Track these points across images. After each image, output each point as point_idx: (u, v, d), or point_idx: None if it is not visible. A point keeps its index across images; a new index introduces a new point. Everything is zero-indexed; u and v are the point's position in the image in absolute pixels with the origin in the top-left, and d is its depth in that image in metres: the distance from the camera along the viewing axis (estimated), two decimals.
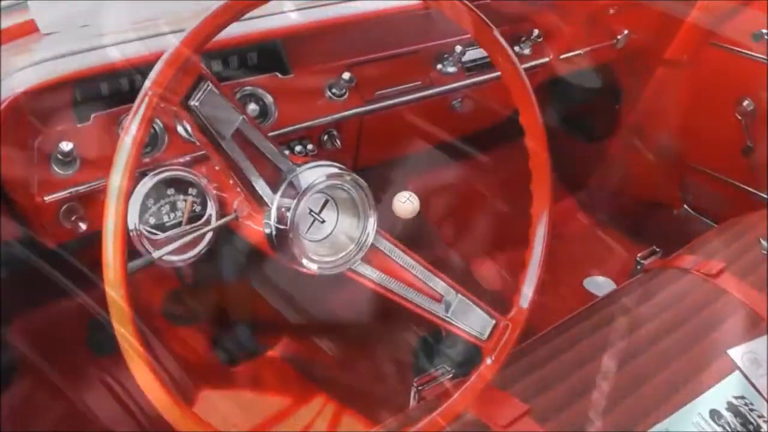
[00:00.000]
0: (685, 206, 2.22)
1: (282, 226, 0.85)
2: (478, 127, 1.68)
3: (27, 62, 0.99)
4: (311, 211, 0.88)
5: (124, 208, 0.72)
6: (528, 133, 0.98)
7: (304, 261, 0.88)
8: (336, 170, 0.88)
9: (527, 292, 1.00)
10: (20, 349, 1.55)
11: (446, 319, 0.96)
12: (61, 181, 1.05)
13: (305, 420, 1.64)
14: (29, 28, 1.22)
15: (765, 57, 1.79)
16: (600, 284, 2.08)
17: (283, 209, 0.86)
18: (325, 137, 1.29)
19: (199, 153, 1.13)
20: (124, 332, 0.71)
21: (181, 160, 1.11)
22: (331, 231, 0.91)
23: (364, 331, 1.82)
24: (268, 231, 0.87)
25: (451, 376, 1.18)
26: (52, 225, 1.09)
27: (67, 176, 1.05)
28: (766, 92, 1.79)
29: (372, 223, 0.91)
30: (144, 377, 0.73)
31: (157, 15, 1.27)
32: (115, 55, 1.02)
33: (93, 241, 1.10)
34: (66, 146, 1.01)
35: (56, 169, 1.05)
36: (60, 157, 1.03)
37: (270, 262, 1.00)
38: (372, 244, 0.92)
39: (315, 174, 0.87)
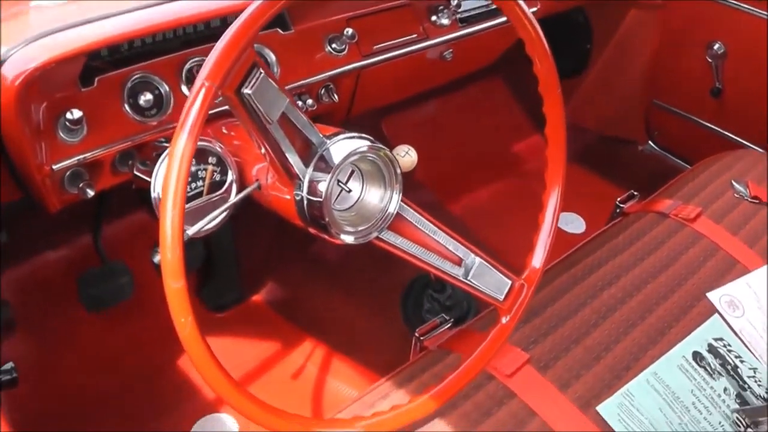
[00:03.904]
0: (650, 143, 2.29)
1: (315, 198, 0.86)
2: (465, 71, 1.68)
3: (33, 35, 0.97)
4: (339, 181, 0.88)
5: (183, 194, 0.71)
6: (547, 106, 1.02)
7: (340, 234, 0.88)
8: (368, 143, 0.88)
9: (540, 253, 1.03)
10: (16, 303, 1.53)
11: (466, 282, 0.98)
12: (69, 148, 1.04)
13: (296, 364, 1.66)
14: None
15: (736, 2, 1.82)
16: (570, 221, 2.12)
17: (314, 182, 0.86)
18: (323, 91, 1.29)
19: None
20: (185, 321, 0.74)
21: None
22: (357, 200, 0.92)
23: (350, 275, 1.84)
24: (298, 200, 0.87)
25: (450, 325, 1.20)
26: (58, 191, 1.08)
27: (74, 143, 1.04)
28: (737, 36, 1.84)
29: (398, 193, 0.92)
30: (200, 359, 0.74)
31: None
32: (123, 23, 0.99)
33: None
34: (74, 114, 1.00)
35: (63, 136, 1.03)
36: (68, 124, 1.01)
37: (253, 209, 1.01)
38: (397, 213, 0.93)
39: (347, 147, 0.86)
